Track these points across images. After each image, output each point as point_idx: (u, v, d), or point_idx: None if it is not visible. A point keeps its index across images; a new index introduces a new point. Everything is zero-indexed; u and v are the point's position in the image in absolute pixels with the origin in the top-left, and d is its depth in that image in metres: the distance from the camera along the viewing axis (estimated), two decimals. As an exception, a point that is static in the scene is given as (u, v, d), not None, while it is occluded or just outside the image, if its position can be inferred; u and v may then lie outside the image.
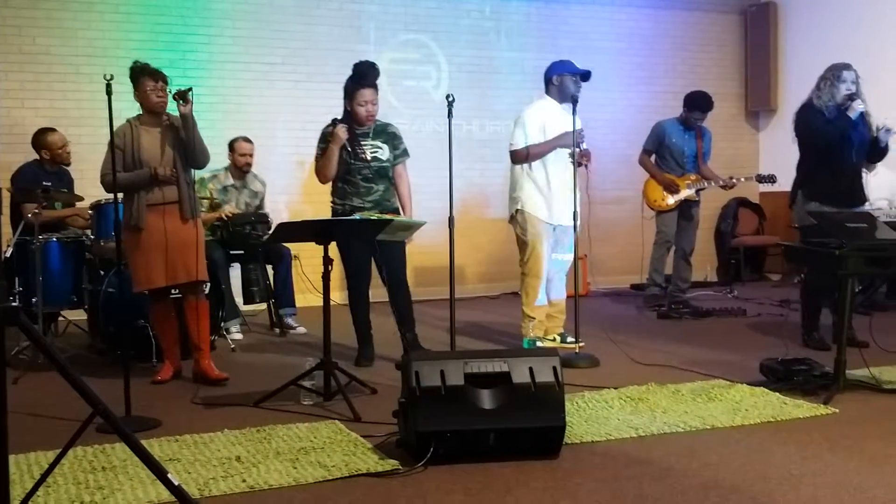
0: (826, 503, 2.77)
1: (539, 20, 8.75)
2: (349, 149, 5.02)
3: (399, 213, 5.11)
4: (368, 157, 5.04)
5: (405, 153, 5.22)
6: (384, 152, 5.11)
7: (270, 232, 5.43)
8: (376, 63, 5.14)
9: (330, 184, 5.17)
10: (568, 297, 5.47)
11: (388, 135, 5.16)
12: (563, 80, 5.34)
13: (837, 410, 3.88)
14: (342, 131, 4.96)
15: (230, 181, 6.33)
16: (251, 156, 6.40)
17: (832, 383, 4.14)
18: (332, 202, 5.17)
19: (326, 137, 5.06)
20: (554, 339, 5.47)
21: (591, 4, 8.96)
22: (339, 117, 5.08)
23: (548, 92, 5.43)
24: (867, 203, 5.35)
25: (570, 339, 5.28)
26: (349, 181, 5.06)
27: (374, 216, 4.49)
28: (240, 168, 6.35)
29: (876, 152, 5.37)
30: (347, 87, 5.08)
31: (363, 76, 5.05)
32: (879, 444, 3.39)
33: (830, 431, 3.58)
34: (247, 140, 6.42)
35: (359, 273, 5.12)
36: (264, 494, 2.94)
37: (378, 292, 5.19)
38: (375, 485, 3.01)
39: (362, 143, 5.04)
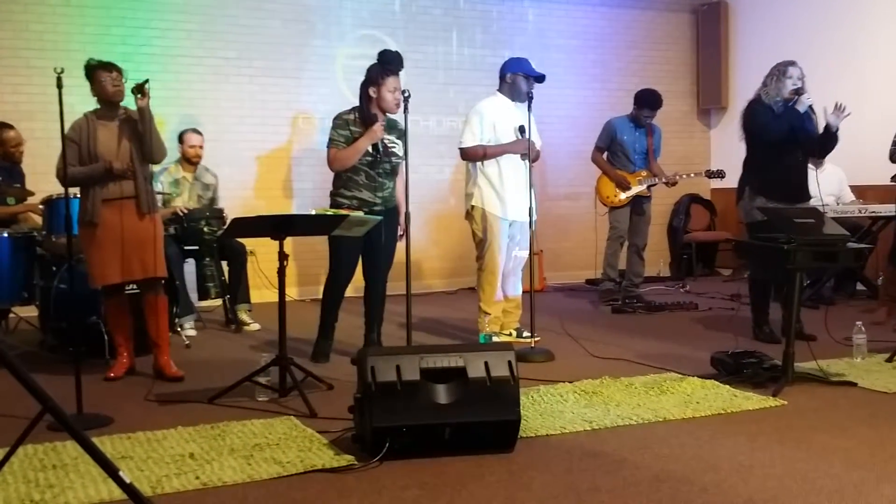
0: (774, 493, 2.83)
1: (496, 17, 8.78)
2: (381, 142, 4.91)
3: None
4: (391, 151, 4.96)
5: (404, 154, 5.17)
6: (400, 148, 5.03)
7: (225, 227, 5.38)
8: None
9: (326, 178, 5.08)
10: (524, 292, 5.51)
11: (399, 131, 5.07)
12: (516, 80, 5.36)
13: (786, 402, 3.96)
14: (380, 129, 4.85)
15: (181, 174, 6.28)
16: (201, 147, 6.35)
17: (781, 376, 4.23)
18: (335, 194, 5.00)
19: (349, 125, 4.92)
20: (510, 334, 5.51)
21: (547, 2, 9.02)
22: (355, 106, 4.98)
23: (500, 88, 5.45)
24: (812, 199, 5.44)
25: (525, 333, 5.32)
26: (367, 174, 4.93)
27: (331, 212, 4.47)
28: (190, 160, 6.29)
29: (829, 141, 5.43)
30: (373, 73, 4.94)
31: (390, 62, 4.95)
32: (827, 435, 3.47)
33: (779, 423, 3.66)
34: (196, 132, 6.37)
35: (346, 267, 5.02)
36: (218, 491, 2.92)
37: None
38: (331, 480, 3.00)
39: (386, 136, 4.95)
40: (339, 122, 4.96)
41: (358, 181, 4.95)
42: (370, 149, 4.89)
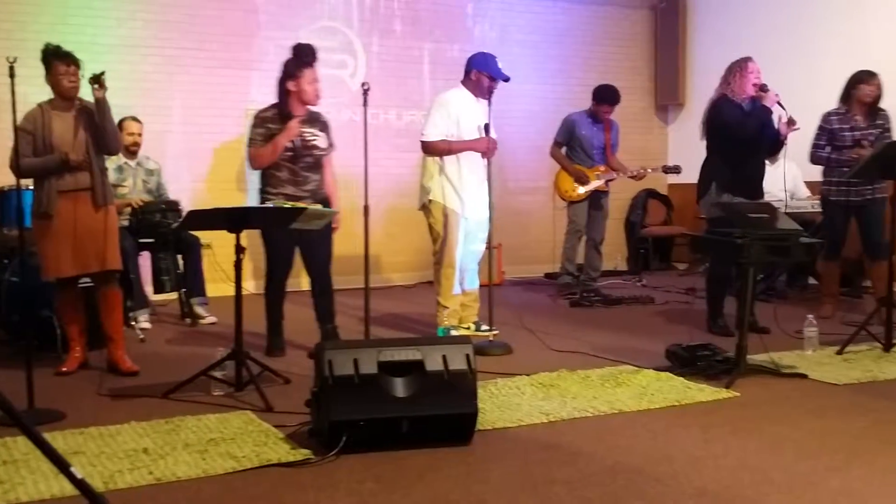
0: (726, 484, 2.87)
1: (456, 11, 8.78)
2: (298, 138, 4.87)
3: (329, 205, 5.01)
4: (311, 145, 4.93)
5: (333, 145, 5.12)
6: (322, 140, 5.00)
7: (181, 219, 5.31)
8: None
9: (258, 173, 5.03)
10: (482, 286, 5.53)
11: (321, 123, 5.05)
12: (480, 78, 5.35)
13: (738, 394, 4.02)
14: (296, 127, 4.81)
15: (122, 160, 6.19)
16: (140, 135, 6.29)
17: (734, 368, 4.29)
18: (262, 191, 4.98)
19: (265, 122, 4.89)
20: (469, 328, 5.52)
21: (507, -4, 9.04)
22: (273, 103, 4.95)
23: (464, 82, 5.45)
24: (767, 195, 5.53)
25: (484, 327, 5.34)
26: (289, 169, 4.91)
27: (288, 204, 4.44)
28: (127, 148, 6.20)
29: (775, 147, 5.55)
30: (290, 68, 4.92)
31: (306, 54, 4.93)
32: (778, 426, 3.53)
33: (732, 414, 3.71)
34: (135, 119, 6.30)
35: (281, 262, 5.01)
36: (172, 487, 2.89)
37: (292, 281, 5.15)
38: (286, 475, 2.99)
39: (305, 129, 4.92)
40: (257, 120, 4.95)
41: (281, 177, 4.92)
42: (289, 144, 4.87)
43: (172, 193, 6.50)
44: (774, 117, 5.43)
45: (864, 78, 5.86)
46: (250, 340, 4.77)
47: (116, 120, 6.18)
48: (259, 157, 4.91)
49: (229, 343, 4.26)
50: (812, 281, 7.62)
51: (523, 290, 7.99)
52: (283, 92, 4.93)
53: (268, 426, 3.50)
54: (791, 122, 5.37)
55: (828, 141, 5.95)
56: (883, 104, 5.93)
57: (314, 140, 4.96)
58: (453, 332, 5.35)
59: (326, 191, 5.10)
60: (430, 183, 5.41)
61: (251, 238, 5.03)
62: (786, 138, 5.42)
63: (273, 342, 5.05)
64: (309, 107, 5.00)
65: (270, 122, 4.90)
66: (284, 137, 4.82)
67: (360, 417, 3.15)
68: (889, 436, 3.39)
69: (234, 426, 3.52)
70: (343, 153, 5.40)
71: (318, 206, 4.43)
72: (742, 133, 5.33)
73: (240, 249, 4.09)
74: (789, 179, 7.48)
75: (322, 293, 5.09)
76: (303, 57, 4.93)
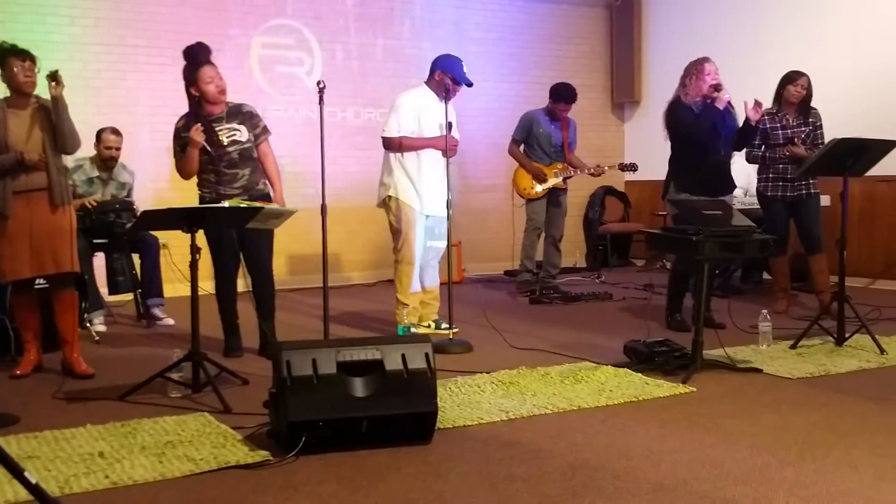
0: (683, 478, 2.91)
1: (414, 8, 8.77)
2: (205, 142, 4.78)
3: (269, 199, 4.97)
4: (226, 143, 4.82)
5: (266, 131, 4.98)
6: (243, 134, 4.88)
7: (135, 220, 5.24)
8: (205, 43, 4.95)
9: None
10: (442, 283, 5.53)
11: (243, 115, 4.92)
12: (444, 79, 5.37)
13: (695, 389, 4.07)
14: (198, 135, 4.71)
15: (95, 172, 6.09)
16: (118, 149, 6.17)
17: (690, 363, 4.34)
18: (199, 192, 4.96)
19: (180, 134, 4.83)
20: (429, 326, 5.53)
21: (465, -6, 9.05)
22: (187, 112, 4.87)
23: (428, 81, 5.47)
24: (738, 189, 5.60)
25: (444, 325, 5.34)
26: (214, 171, 4.85)
27: (245, 204, 4.40)
28: (104, 160, 6.12)
29: (748, 135, 5.60)
30: (186, 74, 4.84)
31: (194, 55, 4.84)
32: (734, 420, 3.58)
33: (688, 409, 3.76)
34: (115, 132, 6.16)
35: (227, 261, 4.95)
36: (129, 490, 2.85)
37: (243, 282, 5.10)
38: (245, 477, 2.97)
39: (217, 129, 4.82)
40: (174, 131, 4.90)
41: (209, 179, 4.88)
42: (207, 147, 4.79)
43: (136, 194, 6.40)
44: (739, 111, 5.50)
45: (791, 78, 5.99)
46: (208, 341, 4.72)
47: (89, 124, 6.10)
48: (181, 170, 4.88)
49: (186, 344, 4.21)
50: (766, 276, 7.75)
51: (483, 288, 8.01)
52: (190, 99, 4.87)
53: (226, 428, 3.47)
54: (757, 104, 5.42)
55: (762, 140, 6.07)
56: (836, 99, 6.04)
57: (233, 135, 4.85)
58: (413, 331, 5.36)
59: (269, 180, 4.98)
60: (389, 179, 5.42)
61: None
62: (757, 123, 5.48)
63: (230, 343, 4.99)
64: (229, 101, 4.90)
65: (184, 130, 4.82)
66: (192, 148, 4.75)
67: (320, 418, 3.14)
68: (842, 429, 3.46)
69: (192, 428, 3.48)
70: (300, 151, 5.38)
71: (275, 206, 4.39)
72: (695, 136, 5.41)
73: (195, 249, 4.04)
74: (742, 177, 7.62)
75: (262, 292, 4.97)
76: (193, 59, 4.85)
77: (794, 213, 6.10)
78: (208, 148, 4.78)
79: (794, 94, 5.96)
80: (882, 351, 4.72)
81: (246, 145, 4.89)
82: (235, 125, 4.89)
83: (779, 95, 6.05)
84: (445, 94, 5.26)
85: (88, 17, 7.30)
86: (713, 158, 5.50)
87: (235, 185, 4.87)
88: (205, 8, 7.76)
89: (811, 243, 6.05)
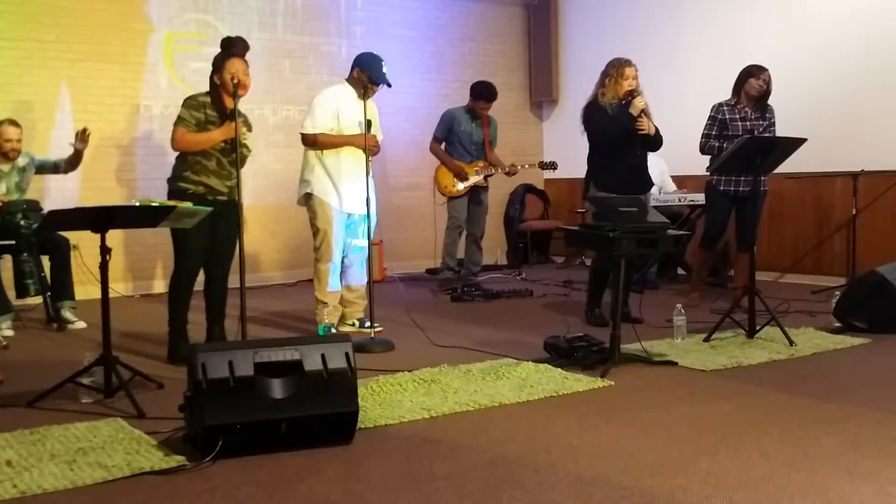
0: (602, 471, 2.95)
1: (331, 5, 8.69)
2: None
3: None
4: (243, 143, 4.71)
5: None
6: (250, 140, 4.88)
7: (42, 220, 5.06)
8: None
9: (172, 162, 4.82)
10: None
11: (249, 125, 4.90)
12: (362, 77, 5.35)
13: (613, 383, 4.14)
14: (238, 129, 4.55)
15: None
16: (18, 141, 5.95)
17: (608, 358, 4.41)
18: (178, 178, 4.72)
19: (204, 108, 4.69)
20: (353, 325, 5.50)
21: (381, -10, 9.01)
22: (208, 91, 4.77)
23: (349, 78, 5.44)
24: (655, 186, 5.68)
25: (368, 324, 5.31)
26: (219, 161, 4.72)
27: (156, 203, 4.27)
28: (5, 154, 5.90)
29: (653, 143, 5.67)
30: (215, 60, 4.78)
31: (231, 45, 4.78)
32: (651, 412, 3.65)
33: (607, 403, 3.82)
34: (13, 123, 5.94)
35: (193, 260, 4.78)
36: (38, 500, 2.75)
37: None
38: (160, 483, 2.89)
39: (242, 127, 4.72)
40: (195, 102, 4.74)
41: (208, 167, 4.73)
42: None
43: (39, 194, 6.18)
44: (653, 111, 5.59)
45: (753, 72, 6.10)
46: (121, 344, 4.60)
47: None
48: (185, 142, 4.68)
49: (98, 348, 4.09)
50: (681, 272, 7.94)
51: (405, 286, 8.00)
52: (212, 85, 4.78)
53: (140, 433, 3.38)
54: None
55: (718, 131, 6.13)
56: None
57: (245, 139, 4.80)
58: (334, 331, 5.31)
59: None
60: (309, 177, 5.38)
61: (123, 237, 4.85)
62: (657, 131, 5.57)
63: (179, 347, 4.72)
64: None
65: (208, 108, 4.71)
66: (222, 134, 4.65)
67: (237, 421, 3.07)
68: (753, 418, 3.55)
69: (104, 434, 3.38)
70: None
71: (188, 204, 4.27)
72: (609, 137, 5.49)
73: (105, 250, 3.92)
74: (657, 174, 7.78)
75: (219, 294, 4.92)
76: (226, 48, 4.79)
77: (740, 208, 6.19)
78: (237, 139, 4.62)
79: (755, 87, 6.06)
80: (791, 343, 4.87)
81: (248, 153, 4.87)
82: (246, 131, 4.83)
83: (739, 88, 6.14)
84: (364, 92, 5.24)
85: (-8, 11, 7.03)
86: (628, 158, 5.58)
87: (227, 184, 4.78)
88: (114, 2, 7.53)
89: (746, 239, 6.05)
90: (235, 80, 4.57)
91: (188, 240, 4.71)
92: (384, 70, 5.38)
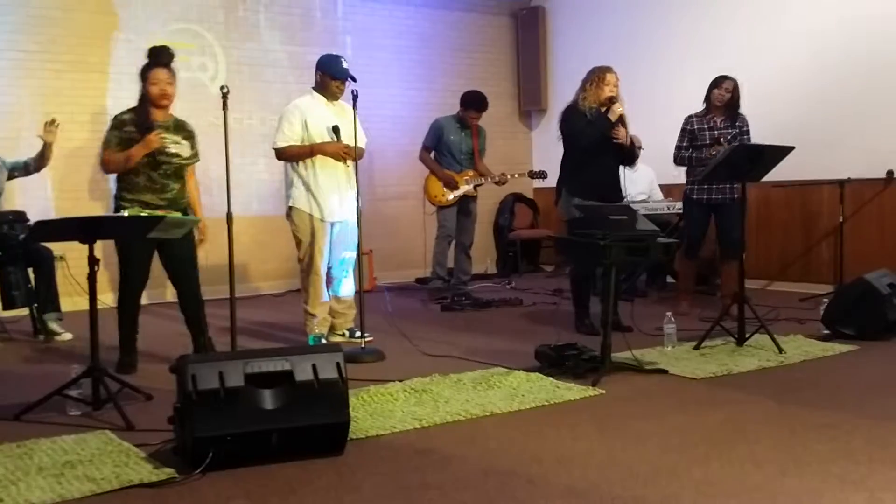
0: (594, 481, 2.93)
1: (319, 15, 8.68)
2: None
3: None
4: (171, 152, 4.74)
5: (198, 155, 4.97)
6: (184, 149, 4.83)
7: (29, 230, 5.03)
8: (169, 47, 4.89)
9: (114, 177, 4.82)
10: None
11: (187, 132, 4.89)
12: (323, 79, 5.36)
13: (604, 391, 4.13)
14: (157, 141, 4.61)
15: None
16: None
17: (599, 366, 4.41)
18: (118, 197, 4.77)
19: (124, 126, 4.70)
20: (343, 335, 5.48)
21: (371, 1, 9.00)
22: (134, 107, 4.78)
23: (315, 86, 5.43)
24: (627, 197, 5.70)
25: (357, 334, 5.29)
26: (148, 176, 4.71)
27: (145, 213, 4.26)
28: None
29: (629, 156, 5.70)
30: (142, 71, 4.78)
31: (155, 55, 4.79)
32: (642, 422, 3.64)
33: (598, 412, 3.81)
34: None
35: (137, 274, 4.78)
36: (25, 514, 2.73)
37: (155, 292, 4.95)
38: (150, 496, 2.86)
39: (167, 136, 4.73)
40: (115, 122, 4.78)
41: (139, 183, 4.74)
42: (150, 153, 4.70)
43: (19, 204, 6.13)
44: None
45: (717, 82, 6.19)
46: (109, 356, 4.56)
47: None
48: (111, 163, 4.74)
49: (85, 360, 4.05)
50: (670, 280, 7.94)
51: (395, 296, 7.98)
52: (140, 96, 4.79)
53: (128, 445, 3.35)
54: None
55: (689, 142, 6.23)
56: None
57: (176, 148, 4.79)
58: (324, 341, 5.29)
59: (189, 200, 4.94)
60: (290, 190, 5.39)
61: (110, 248, 4.83)
62: (632, 144, 5.59)
63: (123, 359, 4.78)
64: (174, 115, 4.85)
65: (128, 125, 4.72)
66: (141, 150, 4.64)
67: (227, 432, 3.05)
68: (744, 426, 3.55)
69: (93, 447, 3.34)
70: (205, 158, 5.23)
71: (178, 214, 4.26)
72: (583, 141, 5.50)
73: (94, 261, 3.90)
74: (646, 182, 7.81)
75: (192, 307, 4.90)
76: (151, 58, 4.80)
77: (717, 216, 6.26)
78: (156, 154, 4.66)
79: (717, 96, 6.15)
80: (780, 350, 4.88)
81: (184, 161, 4.84)
82: (180, 139, 4.82)
83: (707, 98, 6.24)
84: (333, 94, 5.26)
85: (-25, 21, 6.99)
86: (600, 165, 5.58)
87: (164, 196, 4.76)
88: (99, 12, 7.50)
89: (731, 247, 6.07)
90: (163, 93, 4.69)
91: (130, 255, 4.73)
92: (345, 65, 5.34)
